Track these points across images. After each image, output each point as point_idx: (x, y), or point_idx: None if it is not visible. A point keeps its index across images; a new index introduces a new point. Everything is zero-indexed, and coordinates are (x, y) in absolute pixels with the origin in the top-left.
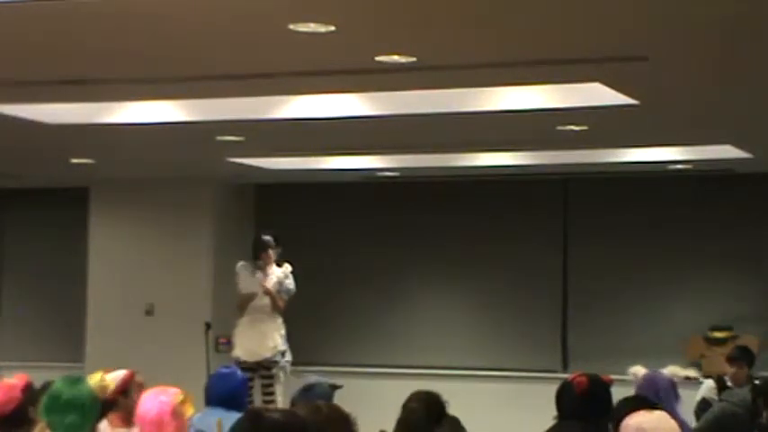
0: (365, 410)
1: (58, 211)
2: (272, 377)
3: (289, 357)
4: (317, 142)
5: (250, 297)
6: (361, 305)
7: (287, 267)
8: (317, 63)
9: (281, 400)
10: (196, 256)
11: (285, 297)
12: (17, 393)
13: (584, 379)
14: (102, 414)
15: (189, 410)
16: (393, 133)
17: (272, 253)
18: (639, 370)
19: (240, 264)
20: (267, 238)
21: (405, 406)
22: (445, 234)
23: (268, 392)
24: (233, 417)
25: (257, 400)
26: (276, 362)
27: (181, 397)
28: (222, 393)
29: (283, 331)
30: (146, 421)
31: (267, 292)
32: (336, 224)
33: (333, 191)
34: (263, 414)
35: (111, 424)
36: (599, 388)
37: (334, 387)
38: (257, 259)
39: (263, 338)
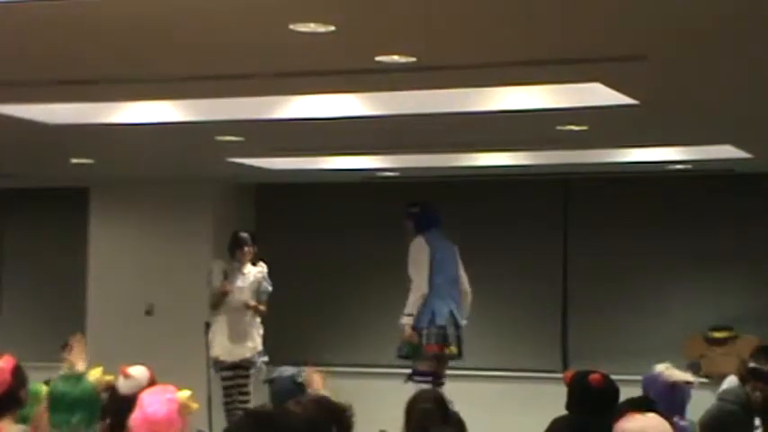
0: (365, 410)
1: (58, 211)
2: (248, 377)
3: (265, 357)
4: (317, 142)
5: (223, 295)
6: (361, 305)
7: (263, 267)
8: (317, 63)
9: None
10: (196, 256)
11: (264, 299)
12: (6, 376)
13: (599, 376)
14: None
15: (193, 406)
16: (393, 133)
17: (247, 250)
18: (669, 369)
19: (215, 261)
20: (243, 234)
21: (414, 407)
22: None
23: (244, 392)
24: None
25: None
26: (254, 362)
27: (187, 393)
28: None
29: (262, 331)
30: (154, 421)
31: (248, 307)
32: (336, 224)
33: (333, 191)
34: (269, 415)
35: None
36: (611, 386)
37: (295, 382)
38: (233, 257)
39: (243, 338)
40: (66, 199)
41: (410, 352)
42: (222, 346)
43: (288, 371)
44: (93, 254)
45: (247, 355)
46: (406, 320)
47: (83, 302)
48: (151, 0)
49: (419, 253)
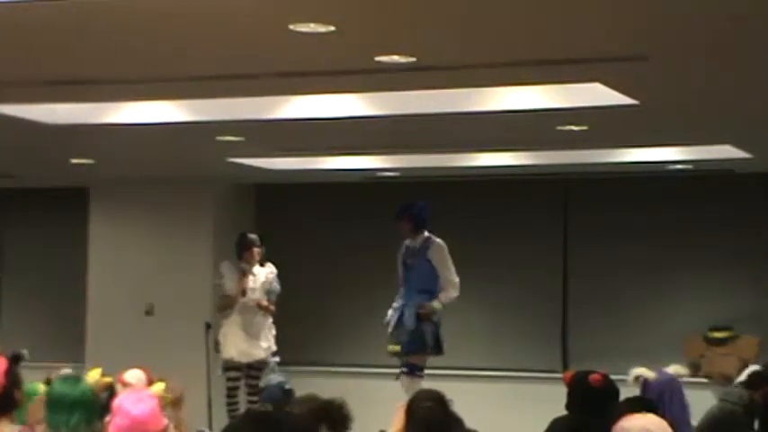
0: (365, 410)
1: (58, 211)
2: (259, 378)
3: (277, 357)
4: (317, 142)
5: (234, 299)
6: (361, 305)
7: (272, 267)
8: (317, 63)
9: None
10: (196, 256)
11: (273, 299)
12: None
13: (599, 376)
14: None
15: (168, 396)
16: (393, 133)
17: (256, 251)
18: (644, 372)
19: (225, 263)
20: (252, 236)
21: (416, 406)
22: (445, 234)
23: (254, 392)
24: None
25: (242, 399)
26: (268, 363)
27: (161, 386)
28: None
29: (274, 331)
30: (143, 421)
31: (261, 307)
32: (336, 224)
33: (333, 191)
34: (267, 414)
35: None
36: (611, 386)
37: (284, 389)
38: (242, 258)
39: (257, 339)
40: (66, 199)
41: (431, 345)
42: (237, 348)
43: (275, 378)
44: (93, 254)
45: (262, 355)
46: (437, 305)
47: (83, 302)
48: (151, 1)
49: (447, 252)
